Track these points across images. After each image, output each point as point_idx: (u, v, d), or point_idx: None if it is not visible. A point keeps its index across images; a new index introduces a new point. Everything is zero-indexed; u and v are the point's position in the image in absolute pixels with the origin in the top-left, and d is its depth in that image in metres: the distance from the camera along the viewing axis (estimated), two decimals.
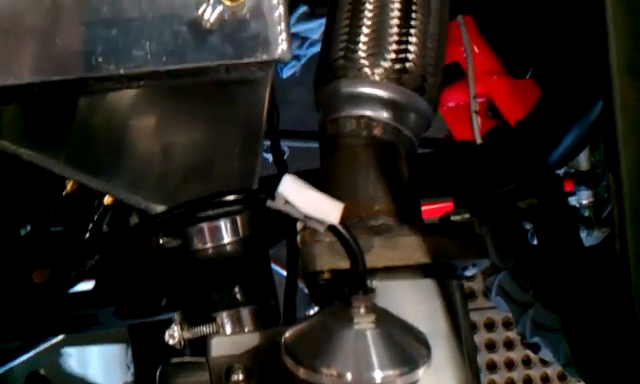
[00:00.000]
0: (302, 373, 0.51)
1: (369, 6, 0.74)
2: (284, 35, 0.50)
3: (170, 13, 0.48)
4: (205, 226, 0.65)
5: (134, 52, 0.48)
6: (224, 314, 0.67)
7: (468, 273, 0.66)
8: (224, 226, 0.66)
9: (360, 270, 0.54)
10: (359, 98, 0.72)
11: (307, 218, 0.51)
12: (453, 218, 0.68)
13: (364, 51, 0.72)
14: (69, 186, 0.67)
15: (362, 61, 0.71)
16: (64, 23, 0.46)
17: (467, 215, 0.68)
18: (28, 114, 0.56)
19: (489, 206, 0.78)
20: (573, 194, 1.34)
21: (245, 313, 0.66)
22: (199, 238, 0.66)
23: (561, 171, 1.21)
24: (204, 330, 0.65)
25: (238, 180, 0.65)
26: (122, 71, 0.48)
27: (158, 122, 0.62)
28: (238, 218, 0.66)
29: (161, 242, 0.69)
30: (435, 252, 0.64)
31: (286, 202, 0.50)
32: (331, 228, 0.55)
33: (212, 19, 0.49)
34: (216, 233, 0.66)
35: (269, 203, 0.52)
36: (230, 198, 0.58)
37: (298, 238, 0.64)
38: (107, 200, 0.68)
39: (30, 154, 0.57)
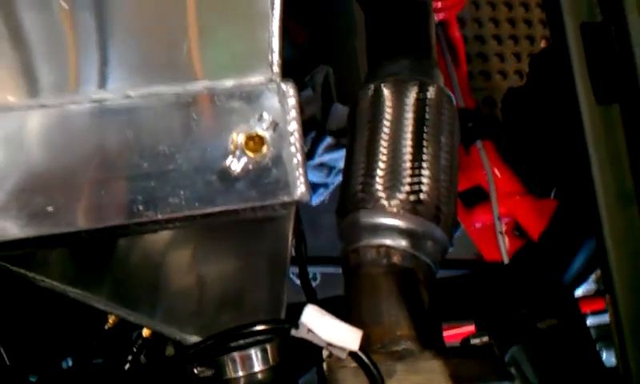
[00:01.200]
0: None
1: (383, 143, 0.81)
2: (302, 179, 0.56)
3: (202, 164, 0.54)
4: (237, 355, 0.69)
5: (170, 199, 0.54)
6: None
7: None
8: (255, 354, 0.69)
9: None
10: (378, 228, 0.77)
11: (329, 345, 0.55)
12: (472, 341, 0.71)
13: (380, 184, 0.78)
14: (110, 319, 0.72)
15: (379, 193, 0.77)
16: (110, 177, 0.53)
17: (486, 338, 0.70)
18: (73, 255, 0.61)
19: (510, 327, 0.81)
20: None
21: None
22: (231, 367, 0.70)
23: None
24: None
25: (266, 309, 0.69)
26: (159, 217, 0.54)
27: (191, 258, 0.68)
28: (268, 346, 0.70)
29: (195, 371, 0.73)
30: (456, 375, 0.66)
31: (309, 330, 0.54)
32: (353, 355, 0.58)
33: (238, 169, 0.55)
34: (247, 361, 0.69)
35: (293, 332, 0.56)
36: (259, 328, 0.62)
37: (325, 364, 0.67)
38: (145, 333, 0.72)
39: (75, 292, 0.62)
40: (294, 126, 0.56)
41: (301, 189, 0.56)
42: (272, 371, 0.71)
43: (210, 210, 0.55)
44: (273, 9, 0.57)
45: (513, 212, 1.51)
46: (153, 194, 0.53)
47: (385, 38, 0.90)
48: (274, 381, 0.71)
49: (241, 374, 0.70)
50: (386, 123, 0.80)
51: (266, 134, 0.55)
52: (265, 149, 0.55)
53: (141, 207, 0.53)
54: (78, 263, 0.62)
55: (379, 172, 0.77)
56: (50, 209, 0.51)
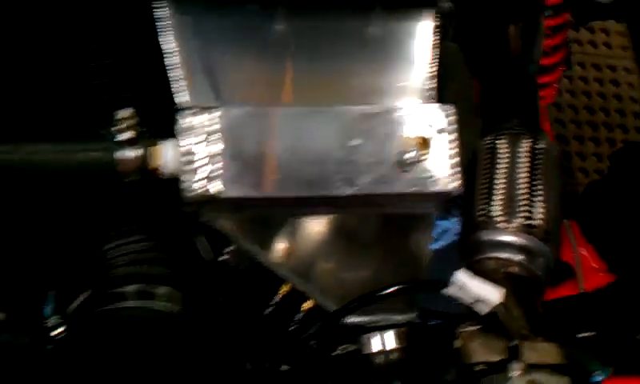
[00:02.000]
0: None
1: (501, 180, 0.97)
2: (457, 176, 0.74)
3: (385, 156, 0.73)
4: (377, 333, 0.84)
5: (361, 179, 0.72)
6: None
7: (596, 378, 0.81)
8: (393, 333, 0.84)
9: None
10: (498, 244, 0.93)
11: (476, 301, 0.70)
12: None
13: (499, 211, 0.94)
14: (283, 288, 0.88)
15: (499, 218, 0.94)
16: (324, 159, 0.72)
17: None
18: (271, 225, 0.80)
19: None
20: None
21: None
22: (371, 342, 0.85)
23: None
24: None
25: (404, 301, 0.85)
26: (348, 192, 0.72)
27: (347, 248, 0.85)
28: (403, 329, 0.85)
29: (339, 350, 0.88)
30: (571, 357, 0.79)
31: (460, 288, 0.69)
32: (490, 315, 0.72)
33: (409, 160, 0.73)
34: (386, 339, 0.84)
35: (444, 290, 0.71)
36: (403, 286, 0.77)
37: (458, 341, 0.82)
38: (306, 305, 0.88)
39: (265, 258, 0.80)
40: (453, 136, 0.75)
41: (455, 183, 0.74)
42: (404, 352, 0.86)
43: (387, 191, 0.73)
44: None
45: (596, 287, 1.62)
46: (349, 175, 0.72)
47: (500, 102, 1.09)
48: (406, 362, 0.85)
49: (379, 349, 0.84)
50: (503, 165, 0.97)
51: (432, 138, 0.74)
52: (429, 149, 0.74)
53: (339, 183, 0.72)
54: (272, 232, 0.80)
55: (498, 202, 0.94)
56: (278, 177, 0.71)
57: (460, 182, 0.75)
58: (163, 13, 0.78)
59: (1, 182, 0.74)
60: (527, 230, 0.91)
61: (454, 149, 0.75)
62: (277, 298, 0.89)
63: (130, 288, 0.81)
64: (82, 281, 0.85)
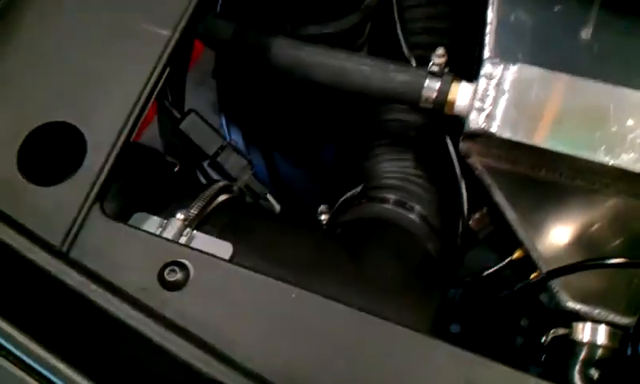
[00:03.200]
0: None
1: None
2: None
3: None
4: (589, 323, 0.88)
5: (625, 155, 0.79)
6: None
7: None
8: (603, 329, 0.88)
9: None
10: None
11: None
12: None
13: None
14: (517, 253, 0.97)
15: None
16: (584, 128, 0.81)
17: None
18: None
19: None
20: None
21: None
22: (581, 330, 0.88)
23: None
24: None
25: None
26: (610, 162, 0.80)
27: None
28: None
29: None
30: None
31: None
32: None
33: None
34: (595, 332, 0.87)
35: None
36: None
37: None
38: (534, 276, 0.96)
39: None
40: None
41: None
42: (612, 353, 0.87)
43: None
44: None
45: None
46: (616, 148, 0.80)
47: None
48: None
49: (588, 339, 0.88)
50: None
51: None
52: None
53: (603, 153, 0.80)
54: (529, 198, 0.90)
55: None
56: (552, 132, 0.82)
57: None
58: None
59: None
60: None
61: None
62: (506, 261, 0.98)
63: (393, 196, 0.96)
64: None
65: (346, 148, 1.23)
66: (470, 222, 1.07)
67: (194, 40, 1.08)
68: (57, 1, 0.81)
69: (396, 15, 1.04)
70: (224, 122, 1.35)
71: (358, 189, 1.00)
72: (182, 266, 0.68)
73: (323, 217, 1.00)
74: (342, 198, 1.01)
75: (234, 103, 1.33)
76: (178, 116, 1.04)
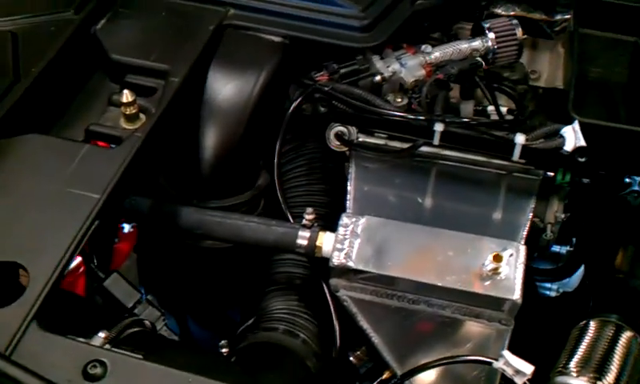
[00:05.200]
0: None
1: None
2: (520, 290, 1.05)
3: (470, 266, 1.07)
4: None
5: (449, 277, 1.06)
6: None
7: None
8: None
9: None
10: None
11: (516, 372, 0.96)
12: None
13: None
14: (385, 374, 1.19)
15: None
16: (419, 260, 1.08)
17: None
18: None
19: None
20: None
21: None
22: None
23: None
24: None
25: None
26: (439, 284, 1.06)
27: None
28: None
29: None
30: None
31: (504, 361, 0.96)
32: None
33: (486, 270, 1.06)
34: None
35: (494, 364, 0.98)
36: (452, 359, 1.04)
37: None
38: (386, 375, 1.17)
39: None
40: (521, 267, 1.06)
41: (519, 294, 1.04)
42: None
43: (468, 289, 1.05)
44: None
45: None
46: (443, 273, 1.07)
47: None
48: None
49: None
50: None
51: (504, 258, 1.06)
52: (502, 266, 1.05)
53: (435, 277, 1.07)
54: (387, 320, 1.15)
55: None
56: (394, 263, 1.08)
57: (521, 293, 1.05)
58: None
59: None
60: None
61: (520, 270, 1.06)
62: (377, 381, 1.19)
63: (282, 326, 1.21)
64: None
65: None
66: (351, 358, 1.29)
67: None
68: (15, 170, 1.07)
69: (279, 193, 1.32)
70: (143, 290, 1.56)
71: (251, 321, 1.21)
72: (102, 363, 0.87)
73: (224, 350, 1.20)
74: (239, 330, 1.22)
75: (152, 274, 1.54)
76: (103, 276, 1.26)
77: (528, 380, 0.97)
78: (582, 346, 1.19)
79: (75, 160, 1.10)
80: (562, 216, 1.34)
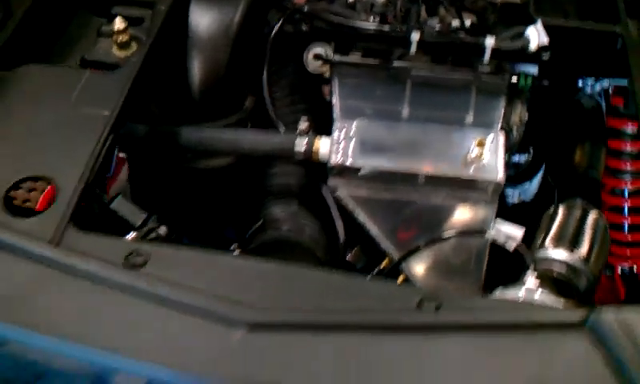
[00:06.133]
0: None
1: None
2: (503, 170, 1.17)
3: (456, 153, 1.18)
4: None
5: (440, 163, 1.17)
6: None
7: None
8: None
9: None
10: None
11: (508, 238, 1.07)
12: None
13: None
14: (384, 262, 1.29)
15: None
16: (410, 152, 1.19)
17: None
18: None
19: None
20: None
21: None
22: None
23: None
24: None
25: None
26: (431, 172, 1.17)
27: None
28: None
29: None
30: None
31: (497, 230, 1.08)
32: None
33: (472, 156, 1.17)
34: None
35: (487, 235, 1.09)
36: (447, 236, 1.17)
37: None
38: (400, 279, 1.28)
39: None
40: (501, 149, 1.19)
41: (502, 175, 1.16)
42: None
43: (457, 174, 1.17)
44: None
45: None
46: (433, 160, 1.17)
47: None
48: None
49: None
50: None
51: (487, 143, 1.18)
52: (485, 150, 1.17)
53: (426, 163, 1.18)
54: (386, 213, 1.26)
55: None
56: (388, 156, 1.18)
57: (504, 174, 1.16)
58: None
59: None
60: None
61: (501, 154, 1.19)
62: (377, 269, 1.29)
63: (286, 226, 1.30)
64: None
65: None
66: (348, 257, 1.39)
67: None
68: (22, 99, 1.11)
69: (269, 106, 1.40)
70: None
71: (259, 223, 1.30)
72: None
73: (235, 253, 1.28)
74: (249, 233, 1.30)
75: (146, 199, 1.60)
76: (107, 200, 1.31)
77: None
78: (554, 227, 1.32)
79: (78, 85, 1.16)
80: (526, 117, 1.47)
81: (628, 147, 1.64)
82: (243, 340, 0.82)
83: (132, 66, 1.19)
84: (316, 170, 1.28)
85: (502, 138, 1.22)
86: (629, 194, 1.63)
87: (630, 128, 1.59)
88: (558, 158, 1.65)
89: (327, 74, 1.41)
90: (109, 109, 1.11)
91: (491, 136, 1.20)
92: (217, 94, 1.38)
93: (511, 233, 1.10)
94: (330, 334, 0.84)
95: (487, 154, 1.18)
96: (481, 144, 1.17)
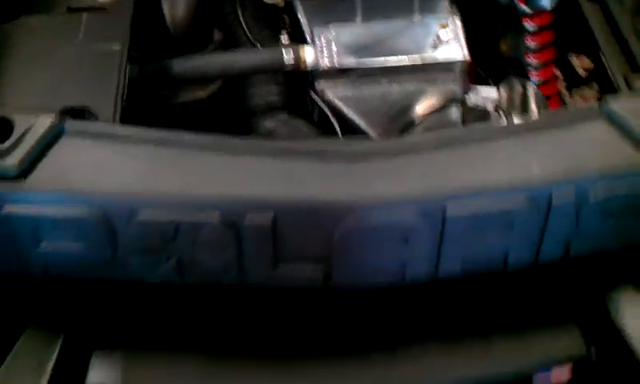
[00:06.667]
0: None
1: None
2: (464, 51, 1.37)
3: (423, 40, 1.36)
4: None
5: (410, 51, 1.35)
6: None
7: None
8: None
9: None
10: None
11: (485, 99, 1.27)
12: None
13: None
14: None
15: None
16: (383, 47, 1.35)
17: None
18: None
19: None
20: None
21: None
22: None
23: None
24: None
25: None
26: (404, 63, 1.34)
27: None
28: None
29: None
30: None
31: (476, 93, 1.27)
32: None
33: (437, 40, 1.36)
34: None
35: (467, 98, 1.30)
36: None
37: None
38: None
39: None
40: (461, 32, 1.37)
41: (464, 54, 1.35)
42: None
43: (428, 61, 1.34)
44: None
45: None
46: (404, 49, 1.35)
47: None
48: None
49: None
50: None
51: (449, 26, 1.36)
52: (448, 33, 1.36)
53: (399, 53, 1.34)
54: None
55: None
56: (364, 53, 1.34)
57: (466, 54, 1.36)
58: None
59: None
60: None
61: (461, 35, 1.38)
62: None
63: None
64: None
65: None
66: None
67: None
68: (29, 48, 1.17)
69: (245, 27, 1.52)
70: None
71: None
72: None
73: None
74: None
75: None
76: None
77: None
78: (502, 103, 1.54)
79: (81, 26, 1.23)
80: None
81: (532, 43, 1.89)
82: None
83: (126, 5, 1.27)
84: (297, 81, 1.42)
85: (458, 22, 1.41)
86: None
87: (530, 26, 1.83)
88: (486, 50, 1.87)
89: (281, 4, 1.55)
90: (119, 43, 1.19)
91: (450, 18, 1.38)
92: (192, 28, 1.47)
93: (487, 94, 1.30)
94: None
95: (450, 35, 1.37)
96: (444, 26, 1.35)
